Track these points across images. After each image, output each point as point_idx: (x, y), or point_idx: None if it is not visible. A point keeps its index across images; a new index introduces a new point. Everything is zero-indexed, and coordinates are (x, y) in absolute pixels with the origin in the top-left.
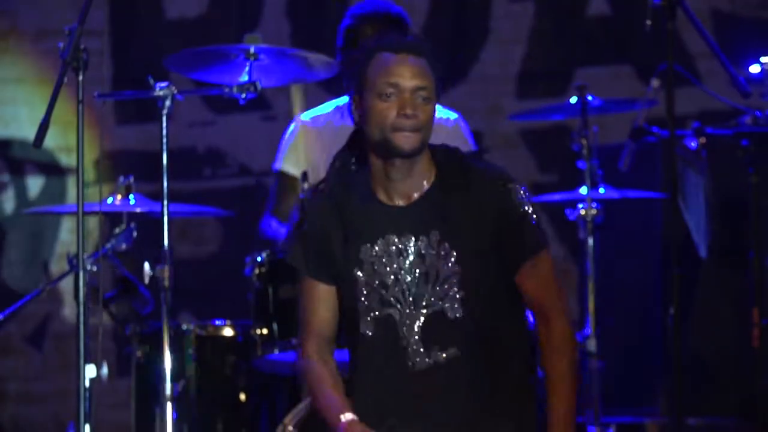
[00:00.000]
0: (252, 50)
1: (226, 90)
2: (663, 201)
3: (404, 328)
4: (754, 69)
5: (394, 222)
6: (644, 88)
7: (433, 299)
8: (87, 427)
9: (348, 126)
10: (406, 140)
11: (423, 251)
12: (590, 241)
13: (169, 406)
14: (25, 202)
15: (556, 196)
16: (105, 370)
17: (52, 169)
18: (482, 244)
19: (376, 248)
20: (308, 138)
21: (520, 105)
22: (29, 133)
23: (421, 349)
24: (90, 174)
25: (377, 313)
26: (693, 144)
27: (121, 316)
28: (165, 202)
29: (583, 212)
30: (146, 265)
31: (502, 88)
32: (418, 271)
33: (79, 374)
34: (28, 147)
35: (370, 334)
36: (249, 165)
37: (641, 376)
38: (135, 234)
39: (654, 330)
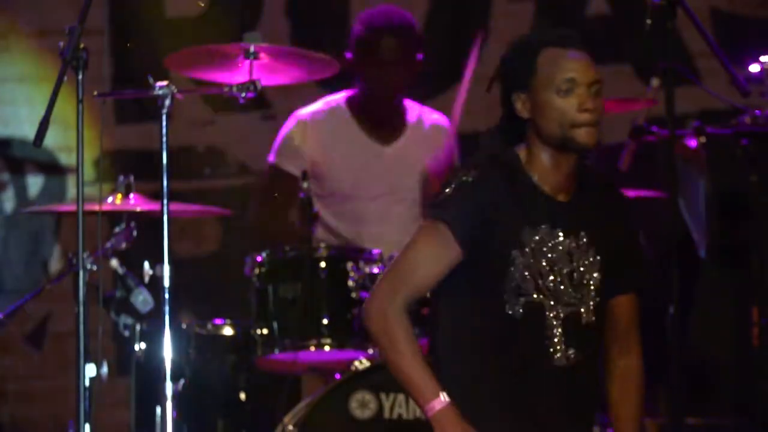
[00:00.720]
0: (252, 49)
1: (226, 89)
2: (663, 200)
3: (552, 320)
4: (754, 68)
5: (555, 215)
6: (644, 88)
7: (573, 299)
8: (87, 427)
9: (349, 121)
10: (588, 135)
11: (572, 251)
12: None
13: (168, 405)
14: (25, 201)
15: None
16: (105, 369)
17: (52, 169)
18: (615, 256)
19: (537, 236)
20: (307, 134)
21: None
22: (29, 132)
23: (561, 346)
24: (90, 173)
25: (529, 298)
26: (693, 143)
27: (120, 316)
28: (165, 201)
29: None
30: (146, 265)
31: None
32: (565, 269)
33: (78, 373)
34: (28, 146)
35: (519, 316)
36: (249, 164)
37: None
38: (135, 233)
39: (653, 329)
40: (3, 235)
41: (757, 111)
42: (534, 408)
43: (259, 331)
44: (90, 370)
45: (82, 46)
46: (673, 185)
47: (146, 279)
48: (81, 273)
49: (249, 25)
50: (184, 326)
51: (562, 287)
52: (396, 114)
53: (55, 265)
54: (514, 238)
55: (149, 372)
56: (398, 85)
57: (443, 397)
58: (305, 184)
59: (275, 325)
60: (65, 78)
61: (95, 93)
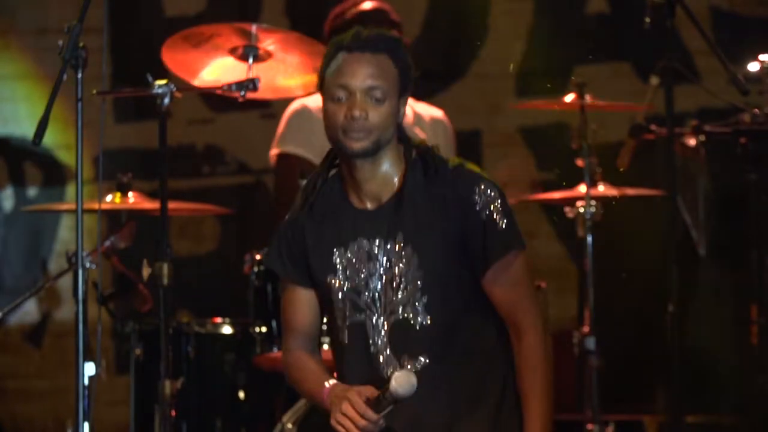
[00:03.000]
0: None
1: (225, 88)
2: (662, 198)
3: (375, 336)
4: (753, 67)
5: (364, 225)
6: (643, 86)
7: (398, 306)
8: (86, 425)
9: None
10: (355, 142)
11: (390, 255)
12: (589, 238)
13: (167, 404)
14: (24, 199)
15: (555, 194)
16: (103, 367)
17: (51, 167)
18: (446, 248)
19: (348, 253)
20: (313, 119)
21: (519, 103)
22: (28, 131)
23: (393, 358)
24: (89, 171)
25: (351, 319)
26: (692, 142)
27: (119, 314)
28: (164, 200)
29: (581, 210)
30: (145, 263)
31: (502, 86)
32: (385, 276)
33: (77, 372)
34: (28, 144)
35: (346, 342)
36: (248, 163)
37: (640, 374)
38: (134, 232)
39: (653, 327)
40: (2, 234)
41: (755, 110)
42: (387, 428)
43: (257, 330)
44: (89, 368)
45: (81, 44)
46: (672, 183)
47: (145, 277)
48: (80, 271)
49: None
50: (182, 325)
51: (383, 297)
52: None
53: (53, 263)
54: (327, 263)
55: (148, 370)
56: None
57: (327, 383)
58: (303, 183)
59: (274, 323)
60: (65, 76)
61: (94, 91)
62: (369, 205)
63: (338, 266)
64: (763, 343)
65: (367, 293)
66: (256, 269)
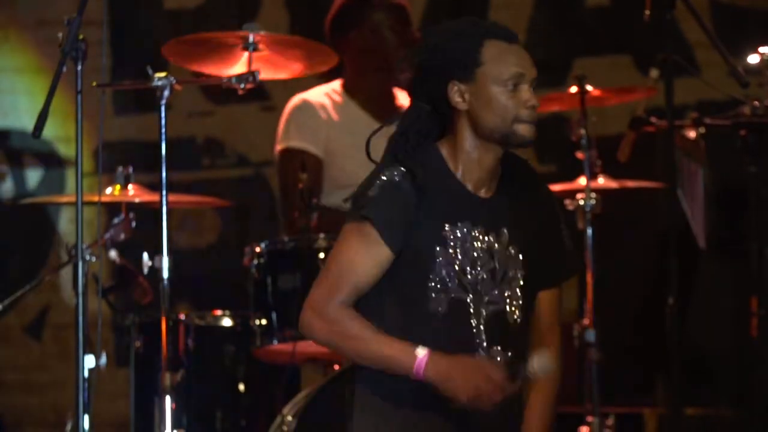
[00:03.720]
0: (251, 39)
1: (225, 80)
2: (662, 191)
3: (475, 318)
4: (753, 59)
5: (475, 212)
6: (643, 78)
7: (496, 298)
8: (86, 418)
9: (349, 103)
10: (530, 131)
11: (492, 247)
12: (589, 231)
13: (167, 396)
14: (24, 192)
15: (555, 187)
16: (104, 360)
17: (51, 160)
18: (537, 252)
19: (458, 232)
20: (315, 114)
21: None
22: (28, 123)
23: (485, 343)
24: (89, 164)
25: (453, 294)
26: (692, 134)
27: (119, 307)
28: (164, 192)
29: (581, 202)
30: (145, 255)
31: None
32: (489, 266)
33: (77, 364)
34: (27, 137)
35: (442, 312)
36: (247, 155)
37: (640, 367)
38: (134, 224)
39: (652, 320)
40: (2, 226)
41: (755, 102)
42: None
43: (257, 322)
44: (89, 360)
45: (81, 37)
46: (672, 176)
47: (145, 270)
48: (80, 264)
49: (248, 16)
50: (182, 317)
51: (485, 285)
52: (392, 95)
53: (53, 256)
54: (437, 234)
55: (148, 363)
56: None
57: (420, 353)
58: (303, 176)
59: (274, 315)
60: (64, 69)
61: (94, 84)
62: (482, 193)
63: (448, 240)
64: (762, 336)
65: (472, 275)
66: (255, 261)
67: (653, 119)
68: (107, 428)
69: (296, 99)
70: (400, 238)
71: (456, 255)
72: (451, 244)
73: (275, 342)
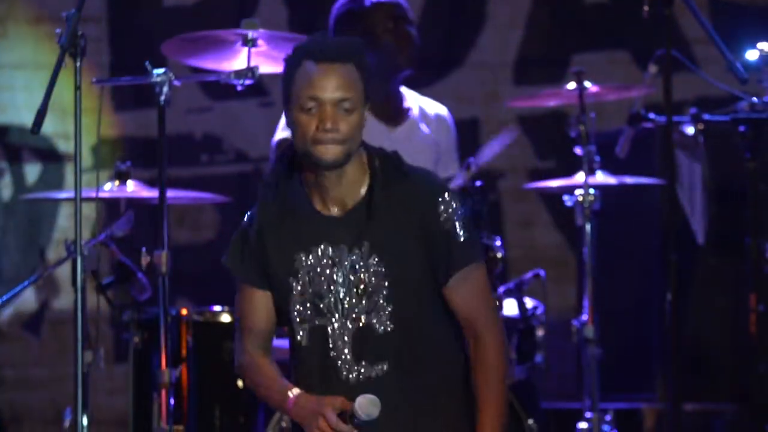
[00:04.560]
0: (250, 36)
1: (224, 76)
2: (660, 187)
3: (337, 341)
4: (752, 55)
5: (329, 231)
6: (641, 74)
7: (363, 312)
8: (84, 414)
9: None
10: (326, 152)
11: (355, 263)
12: (588, 227)
13: (166, 392)
14: (23, 188)
15: (554, 183)
16: (101, 356)
17: (50, 156)
18: (411, 257)
19: (311, 258)
20: None
21: (517, 91)
22: (27, 120)
23: (352, 363)
24: (87, 160)
25: (311, 323)
26: (690, 130)
27: (118, 303)
28: (162, 189)
29: (580, 198)
30: (144, 251)
31: (500, 73)
32: (349, 282)
33: (76, 360)
34: (26, 133)
35: (304, 344)
36: (246, 151)
37: (639, 363)
38: (132, 220)
39: (651, 316)
40: (1, 223)
41: (754, 98)
42: None
43: None
44: (87, 357)
45: (80, 33)
46: (670, 172)
47: (144, 266)
48: (79, 260)
49: (247, 12)
50: (181, 313)
51: (346, 303)
52: (397, 96)
53: (52, 251)
54: (289, 267)
55: (147, 359)
56: (398, 50)
57: (291, 394)
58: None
59: None
60: (63, 65)
61: (93, 80)
62: (334, 211)
63: (300, 270)
64: (761, 332)
65: (329, 298)
66: None
67: (652, 115)
68: (106, 424)
69: None
70: (261, 275)
71: (309, 282)
72: (303, 273)
73: (274, 338)
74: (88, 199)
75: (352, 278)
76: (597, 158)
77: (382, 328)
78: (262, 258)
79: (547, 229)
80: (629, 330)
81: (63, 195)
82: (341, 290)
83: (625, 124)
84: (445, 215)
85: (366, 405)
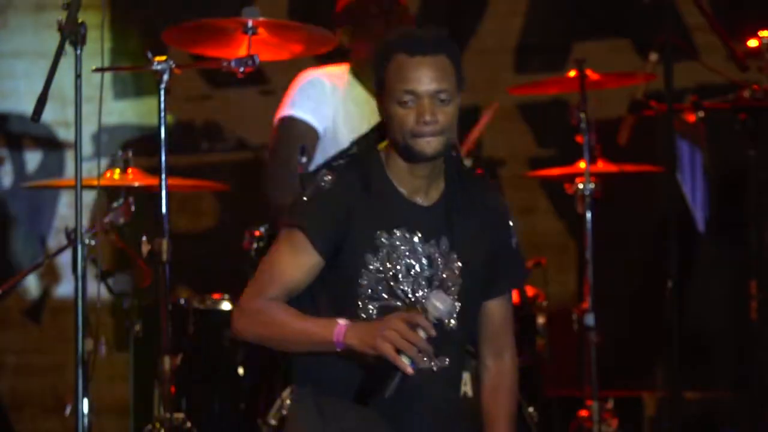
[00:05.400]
0: (250, 24)
1: (224, 64)
2: (661, 175)
3: None
4: (752, 43)
5: (413, 219)
6: (642, 62)
7: None
8: (85, 401)
9: (355, 84)
10: (427, 145)
11: (432, 255)
12: (588, 215)
13: (167, 379)
14: (23, 176)
15: (555, 171)
16: (103, 344)
17: (50, 144)
18: (482, 261)
19: (393, 239)
20: (326, 91)
21: (518, 79)
22: (27, 108)
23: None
24: (88, 148)
25: (383, 301)
26: (691, 118)
27: (119, 291)
28: (163, 176)
29: (581, 186)
30: (144, 239)
31: (500, 61)
32: (425, 273)
33: (77, 348)
34: (27, 121)
35: (374, 317)
36: (246, 139)
37: (639, 350)
38: (133, 208)
39: (652, 304)
40: (1, 211)
41: (755, 86)
42: (388, 411)
43: None
44: (88, 344)
45: (80, 20)
46: (671, 160)
47: (144, 254)
48: (79, 248)
49: (247, 0)
50: (182, 301)
51: (419, 291)
52: None
53: (53, 239)
54: (369, 241)
55: (147, 347)
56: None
57: (341, 322)
58: (303, 159)
59: None
60: (64, 53)
61: (93, 68)
62: (419, 200)
63: (380, 248)
64: (762, 319)
65: (404, 284)
66: (255, 245)
67: (652, 103)
68: (106, 412)
69: (309, 73)
70: (331, 245)
71: (388, 263)
72: (384, 251)
73: None
74: (89, 187)
75: (427, 269)
76: (597, 146)
77: (451, 324)
78: (344, 228)
79: (548, 216)
80: (630, 317)
81: (63, 183)
82: (415, 278)
83: (626, 112)
84: (514, 232)
85: (437, 297)
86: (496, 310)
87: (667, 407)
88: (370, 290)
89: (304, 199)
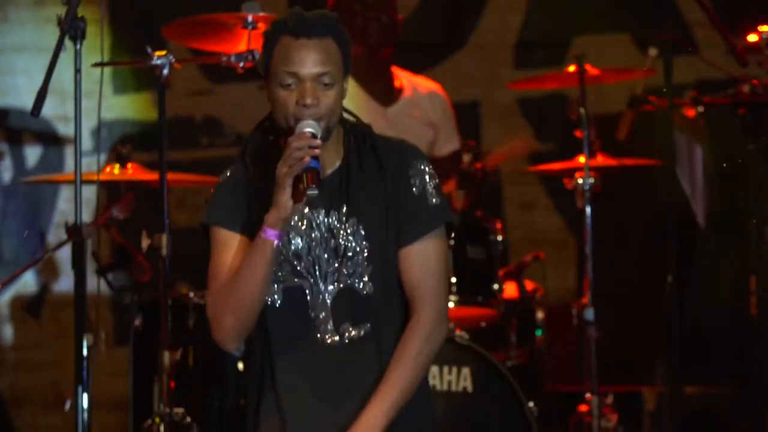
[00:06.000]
0: (250, 19)
1: (224, 59)
2: (661, 169)
3: (314, 302)
4: (752, 38)
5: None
6: (642, 57)
7: (343, 275)
8: (85, 396)
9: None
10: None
11: (332, 226)
12: (588, 210)
13: (167, 374)
14: (23, 171)
15: (554, 165)
16: (102, 339)
17: (50, 139)
18: (387, 219)
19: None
20: None
21: (518, 74)
22: (27, 103)
23: (330, 325)
24: (88, 143)
25: (287, 283)
26: (691, 113)
27: (119, 285)
28: (163, 171)
29: (580, 181)
30: (144, 234)
31: (500, 57)
32: (328, 245)
33: (77, 343)
34: (26, 116)
35: (278, 303)
36: (246, 134)
37: (639, 345)
38: (133, 203)
39: (651, 299)
40: (1, 206)
41: (754, 81)
42: (315, 390)
43: None
44: (88, 339)
45: (80, 15)
46: (671, 155)
47: (144, 249)
48: (79, 242)
49: None
50: (181, 296)
51: (326, 265)
52: (389, 75)
53: (53, 235)
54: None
55: (147, 341)
56: (382, 33)
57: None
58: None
59: None
60: (63, 48)
61: (93, 63)
62: None
63: None
64: (761, 314)
65: (308, 260)
66: None
67: (652, 98)
68: (106, 407)
69: None
70: (241, 220)
71: (288, 244)
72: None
73: None
74: (88, 182)
75: (331, 241)
76: (597, 141)
77: (365, 289)
78: (247, 212)
79: (548, 211)
80: (629, 312)
81: (63, 178)
82: (322, 253)
83: (626, 107)
84: (416, 177)
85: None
86: (404, 263)
87: (666, 402)
88: (276, 274)
89: (210, 198)
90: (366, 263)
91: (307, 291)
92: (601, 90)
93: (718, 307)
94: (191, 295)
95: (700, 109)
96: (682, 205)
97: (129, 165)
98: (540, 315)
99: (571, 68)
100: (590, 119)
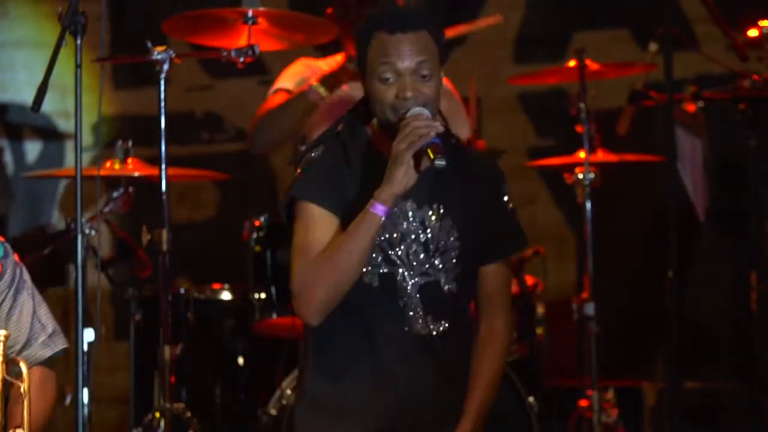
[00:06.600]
0: (250, 14)
1: (224, 54)
2: (661, 165)
3: (404, 290)
4: (752, 33)
5: None
6: (642, 52)
7: (431, 269)
8: (85, 391)
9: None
10: None
11: (426, 221)
12: (588, 205)
13: (167, 369)
14: (23, 166)
15: (554, 160)
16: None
17: (50, 134)
18: (476, 226)
19: None
20: (318, 70)
21: (518, 69)
22: (27, 98)
23: (418, 315)
24: (88, 138)
25: (380, 269)
26: (691, 108)
27: (119, 280)
28: (163, 166)
29: (581, 176)
30: (144, 229)
31: (500, 53)
32: (418, 238)
33: (77, 338)
34: (26, 111)
35: (375, 285)
36: (246, 129)
37: (639, 340)
38: (133, 198)
39: (652, 293)
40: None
41: (755, 76)
42: (392, 374)
43: (257, 296)
44: (88, 334)
45: (80, 10)
46: (671, 150)
47: (144, 244)
48: (79, 238)
49: None
50: (182, 291)
51: (415, 257)
52: None
53: (52, 230)
54: (360, 210)
55: (148, 336)
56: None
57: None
58: (302, 148)
59: (273, 289)
60: (64, 43)
61: (94, 58)
62: None
63: None
64: (762, 310)
65: (400, 249)
66: (255, 235)
67: (652, 93)
68: (106, 402)
69: (302, 61)
70: (337, 200)
71: (383, 230)
72: None
73: (275, 315)
74: (89, 177)
75: (422, 235)
76: (597, 136)
77: (448, 287)
78: (343, 192)
79: (548, 206)
80: (630, 307)
81: (63, 173)
82: (413, 245)
83: (626, 102)
84: (508, 197)
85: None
86: (492, 275)
87: (667, 397)
88: (371, 257)
89: (300, 173)
90: (455, 263)
91: (398, 279)
92: (602, 85)
93: (718, 302)
94: (191, 289)
95: (701, 104)
96: (682, 200)
97: (129, 160)
98: (540, 310)
99: (572, 63)
100: (590, 114)
